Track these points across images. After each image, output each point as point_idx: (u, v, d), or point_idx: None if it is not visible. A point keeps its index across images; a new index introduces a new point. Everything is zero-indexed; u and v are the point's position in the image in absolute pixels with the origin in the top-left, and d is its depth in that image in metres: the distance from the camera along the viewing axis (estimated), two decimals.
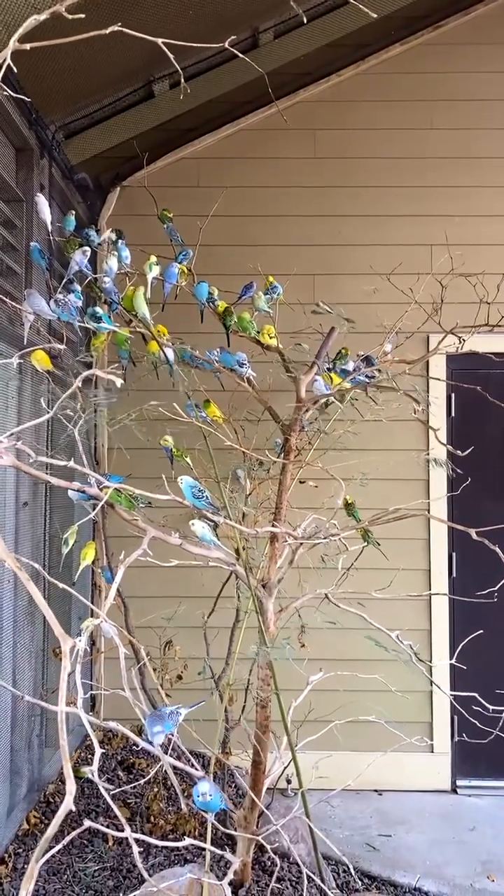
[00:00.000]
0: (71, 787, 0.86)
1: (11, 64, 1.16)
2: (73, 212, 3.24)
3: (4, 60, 1.15)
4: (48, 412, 1.74)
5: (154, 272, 2.95)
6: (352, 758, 3.36)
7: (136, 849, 1.10)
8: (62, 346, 2.27)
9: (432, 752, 3.95)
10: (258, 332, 3.00)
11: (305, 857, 2.85)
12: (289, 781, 3.59)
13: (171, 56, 1.26)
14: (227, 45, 1.35)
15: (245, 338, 3.05)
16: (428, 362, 3.81)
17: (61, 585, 1.37)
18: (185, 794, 2.30)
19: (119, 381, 1.50)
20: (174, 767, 1.84)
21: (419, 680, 3.31)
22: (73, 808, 0.88)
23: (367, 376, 3.00)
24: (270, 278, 3.16)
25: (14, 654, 3.05)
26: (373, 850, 3.33)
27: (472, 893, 3.01)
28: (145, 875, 1.11)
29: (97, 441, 3.99)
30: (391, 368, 3.03)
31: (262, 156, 4.15)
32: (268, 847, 1.86)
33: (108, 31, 1.25)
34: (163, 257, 3.09)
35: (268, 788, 2.79)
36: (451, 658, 3.31)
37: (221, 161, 4.15)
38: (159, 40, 1.24)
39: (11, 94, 1.24)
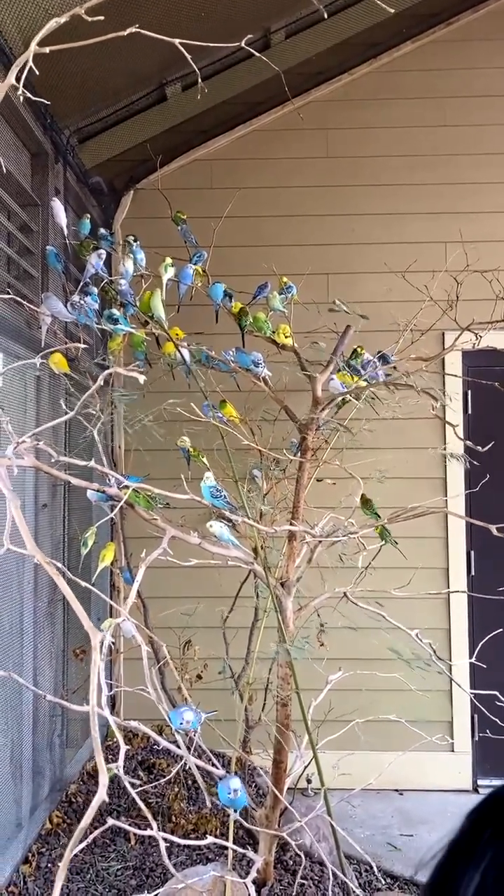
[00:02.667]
0: (104, 779, 0.87)
1: (34, 67, 1.17)
2: (88, 215, 3.27)
3: (26, 63, 1.16)
4: (67, 412, 1.75)
5: (169, 274, 2.96)
6: (372, 757, 3.35)
7: (163, 846, 1.10)
8: (85, 346, 2.28)
9: (453, 751, 3.93)
10: (273, 332, 3.01)
11: (327, 856, 2.84)
12: (309, 781, 3.58)
13: (188, 56, 1.27)
14: (242, 44, 1.36)
15: (260, 337, 3.05)
16: (444, 359, 3.79)
17: (84, 584, 1.39)
18: (210, 791, 2.31)
19: (142, 378, 1.51)
20: (197, 766, 1.85)
21: (438, 679, 3.30)
22: (106, 799, 0.89)
23: (384, 374, 2.99)
24: (284, 278, 3.16)
25: (35, 655, 3.07)
26: (395, 850, 3.32)
27: None
28: (172, 871, 1.12)
29: (114, 442, 4.01)
30: (407, 365, 3.02)
31: (275, 156, 4.16)
32: (292, 843, 1.86)
33: (126, 33, 1.26)
34: (177, 259, 3.10)
35: (288, 788, 2.78)
36: (470, 657, 3.29)
37: (234, 162, 4.16)
38: (176, 41, 1.25)
39: (31, 96, 1.26)
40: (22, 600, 2.99)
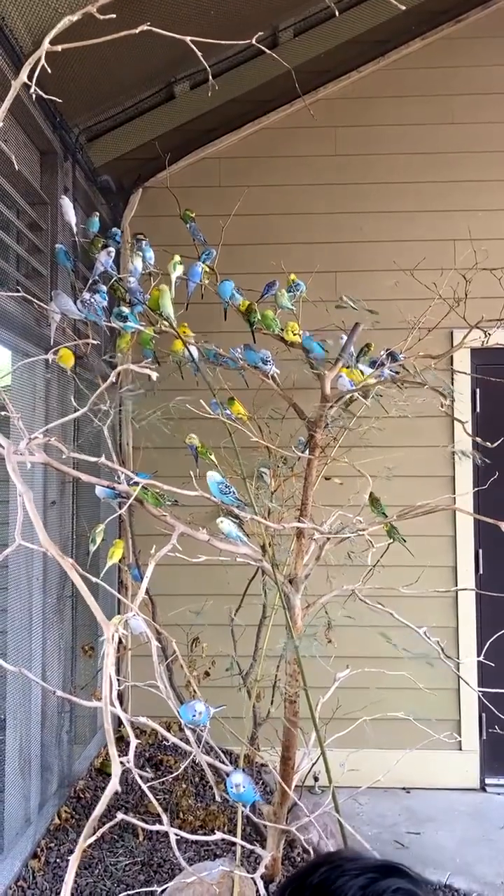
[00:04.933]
0: (117, 768, 0.88)
1: (46, 65, 1.18)
2: (97, 213, 3.28)
3: (39, 61, 1.17)
4: (77, 409, 1.76)
5: (178, 272, 2.97)
6: (379, 755, 3.34)
7: (173, 840, 1.11)
8: (96, 342, 2.29)
9: (460, 749, 3.93)
10: (282, 329, 3.01)
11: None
12: (316, 779, 3.59)
13: (199, 54, 1.27)
14: (253, 41, 1.36)
15: (269, 335, 3.06)
16: (452, 357, 3.79)
17: (94, 580, 1.39)
18: (219, 786, 2.32)
19: (155, 375, 1.52)
20: (202, 764, 1.86)
21: (446, 677, 3.30)
22: (118, 789, 0.89)
23: (393, 372, 2.99)
24: (293, 276, 3.16)
25: (44, 651, 3.09)
26: (402, 848, 3.32)
27: (502, 891, 2.99)
28: (184, 864, 1.12)
29: (122, 440, 4.02)
30: (416, 363, 3.02)
31: (283, 154, 4.16)
32: (300, 838, 1.87)
33: (138, 31, 1.27)
34: (185, 257, 3.11)
35: (295, 786, 2.79)
36: (478, 655, 3.29)
37: (242, 160, 4.16)
38: (187, 38, 1.26)
39: (43, 95, 1.26)
40: (31, 596, 3.00)
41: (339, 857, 0.75)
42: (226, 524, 2.30)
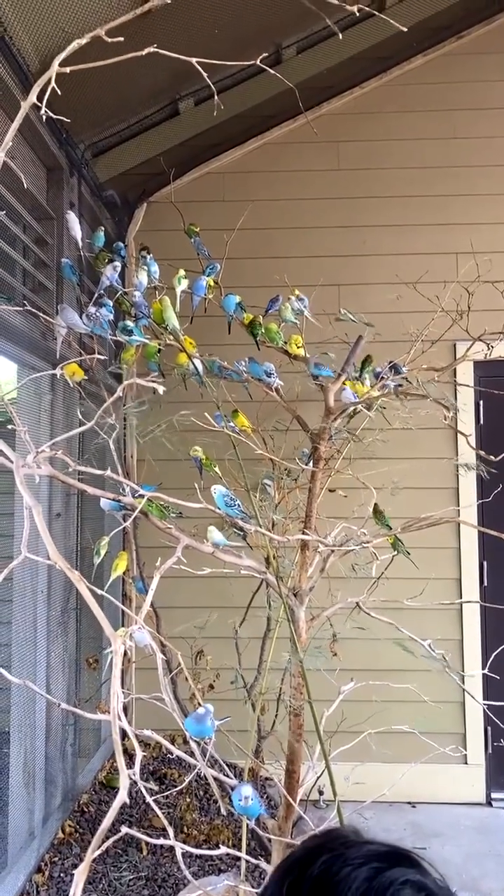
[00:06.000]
0: (125, 780, 0.88)
1: (56, 87, 1.20)
2: (102, 228, 3.31)
3: (50, 81, 1.19)
4: (84, 423, 1.78)
5: (183, 285, 2.99)
6: (384, 769, 3.32)
7: (179, 853, 1.11)
8: (103, 357, 2.31)
9: (466, 763, 3.90)
10: (285, 343, 3.03)
11: None
12: (321, 793, 3.57)
13: (204, 74, 1.30)
14: (258, 61, 1.38)
15: (272, 348, 3.07)
16: (455, 369, 3.80)
17: (100, 592, 1.40)
18: (224, 799, 2.31)
19: (161, 389, 1.54)
20: (208, 777, 1.85)
21: (451, 690, 3.29)
22: (126, 801, 0.90)
23: (395, 385, 3.00)
24: (296, 291, 3.18)
25: (48, 664, 3.09)
26: None
27: None
28: (189, 877, 1.12)
29: (126, 452, 4.03)
30: (419, 376, 3.03)
31: (286, 169, 4.20)
32: None
33: (144, 53, 1.29)
34: (190, 271, 3.13)
35: (300, 799, 2.77)
36: (483, 667, 3.27)
37: (246, 175, 4.20)
38: (193, 59, 1.28)
39: (52, 115, 1.29)
40: (35, 609, 3.01)
41: (340, 840, 0.69)
42: (215, 533, 2.30)
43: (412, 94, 4.20)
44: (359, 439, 3.10)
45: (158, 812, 1.13)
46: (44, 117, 1.24)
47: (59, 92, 1.23)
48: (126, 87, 3.40)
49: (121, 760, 0.90)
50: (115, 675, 1.00)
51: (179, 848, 1.05)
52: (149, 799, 1.09)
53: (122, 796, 0.86)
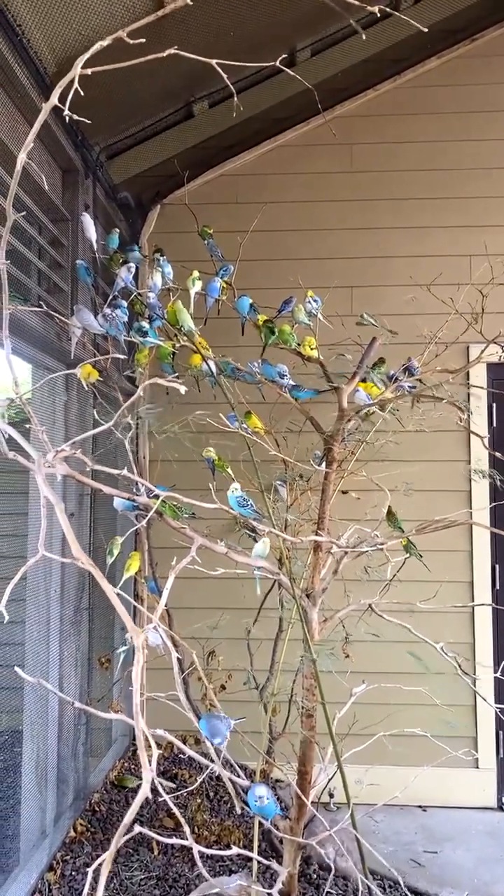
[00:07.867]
0: (147, 774, 0.89)
1: (79, 88, 1.21)
2: (117, 230, 3.33)
3: (73, 82, 1.20)
4: (99, 423, 1.79)
5: (197, 287, 3.01)
6: (395, 772, 3.32)
7: (197, 854, 1.11)
8: (122, 356, 2.32)
9: (477, 767, 3.89)
10: (299, 344, 3.03)
11: (351, 870, 2.83)
12: (331, 795, 3.57)
13: (224, 76, 1.30)
14: (277, 62, 1.39)
15: (286, 349, 3.08)
16: (468, 372, 3.79)
17: (116, 590, 1.41)
18: (239, 798, 2.31)
19: (183, 389, 1.54)
20: (220, 777, 1.86)
21: (462, 693, 3.28)
22: (149, 796, 0.90)
23: (409, 386, 3.00)
24: (310, 293, 3.19)
25: (60, 663, 3.10)
26: (419, 867, 3.28)
27: None
28: (206, 875, 1.12)
29: (139, 453, 4.05)
30: (432, 378, 3.03)
31: (300, 171, 4.20)
32: (321, 852, 1.86)
33: (165, 54, 1.30)
34: (203, 272, 3.15)
35: (311, 802, 2.77)
36: (496, 671, 3.26)
37: (260, 177, 4.21)
38: (213, 61, 1.29)
39: (74, 116, 1.30)
40: (49, 608, 3.02)
41: None
42: (261, 546, 2.31)
43: (426, 97, 4.20)
44: (371, 442, 3.10)
45: (176, 811, 1.13)
46: (67, 118, 1.25)
47: (83, 93, 1.24)
48: (141, 89, 3.41)
49: (143, 755, 0.90)
50: (136, 671, 1.00)
51: (196, 848, 1.06)
52: (166, 797, 1.10)
53: (144, 790, 0.87)
